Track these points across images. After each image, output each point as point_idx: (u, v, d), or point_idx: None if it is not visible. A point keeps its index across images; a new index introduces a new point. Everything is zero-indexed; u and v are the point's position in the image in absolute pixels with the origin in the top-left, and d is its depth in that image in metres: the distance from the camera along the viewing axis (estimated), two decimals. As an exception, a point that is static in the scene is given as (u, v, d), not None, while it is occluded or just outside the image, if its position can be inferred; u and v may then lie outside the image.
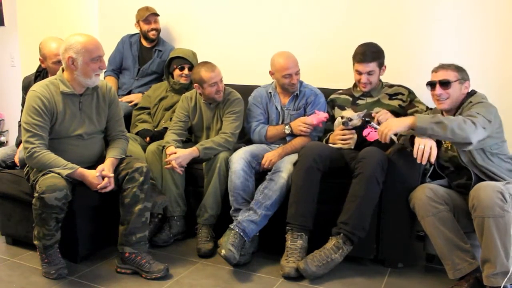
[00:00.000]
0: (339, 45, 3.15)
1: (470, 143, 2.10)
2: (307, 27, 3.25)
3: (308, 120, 2.73)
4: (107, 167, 2.35)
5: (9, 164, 2.77)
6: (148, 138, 3.02)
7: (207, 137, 2.90)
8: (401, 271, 2.45)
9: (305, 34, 3.25)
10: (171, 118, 3.03)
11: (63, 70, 2.35)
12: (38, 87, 2.31)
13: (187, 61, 3.09)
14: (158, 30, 3.53)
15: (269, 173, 2.59)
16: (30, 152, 2.23)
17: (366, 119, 2.61)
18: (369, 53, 2.65)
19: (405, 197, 2.33)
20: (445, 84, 2.25)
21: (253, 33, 3.43)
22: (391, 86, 2.80)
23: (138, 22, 3.53)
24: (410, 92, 2.76)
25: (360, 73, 2.70)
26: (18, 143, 2.74)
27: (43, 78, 2.61)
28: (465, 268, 2.11)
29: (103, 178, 2.31)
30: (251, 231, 2.45)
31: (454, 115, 2.28)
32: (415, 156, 2.16)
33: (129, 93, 3.52)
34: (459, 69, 2.29)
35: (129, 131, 3.08)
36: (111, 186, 2.34)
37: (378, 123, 2.55)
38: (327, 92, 2.92)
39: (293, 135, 2.79)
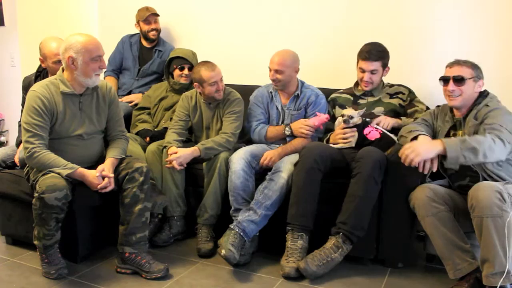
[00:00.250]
0: (339, 45, 3.15)
1: (500, 161, 2.08)
2: (307, 27, 3.25)
3: (310, 122, 2.73)
4: (107, 167, 2.35)
5: (9, 164, 2.77)
6: (148, 138, 3.02)
7: (207, 137, 2.90)
8: (401, 271, 2.45)
9: (305, 34, 3.25)
10: (171, 118, 3.03)
11: (63, 70, 2.35)
12: (38, 87, 2.31)
13: (187, 61, 3.09)
14: (158, 31, 3.53)
15: (269, 173, 2.59)
16: (30, 152, 2.23)
17: (367, 119, 2.61)
18: (375, 52, 2.66)
19: (405, 197, 2.33)
20: (459, 80, 2.20)
21: (253, 33, 3.42)
22: (392, 85, 2.80)
23: (138, 22, 3.53)
24: (410, 92, 2.76)
25: (363, 71, 2.70)
26: (18, 143, 2.74)
27: (43, 78, 2.61)
28: (465, 268, 2.11)
29: (103, 178, 2.31)
30: (251, 231, 2.45)
31: (466, 114, 2.24)
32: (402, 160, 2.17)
33: (129, 93, 3.52)
34: (474, 67, 2.22)
35: (129, 131, 3.08)
36: (111, 186, 2.34)
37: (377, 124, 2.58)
38: (327, 92, 2.92)
39: (293, 136, 2.79)
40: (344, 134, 2.62)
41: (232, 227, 2.44)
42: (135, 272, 2.37)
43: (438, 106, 2.46)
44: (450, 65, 2.26)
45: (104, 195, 2.35)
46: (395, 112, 2.71)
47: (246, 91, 3.00)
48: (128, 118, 3.13)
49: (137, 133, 3.09)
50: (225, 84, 2.88)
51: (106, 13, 3.95)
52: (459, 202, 2.24)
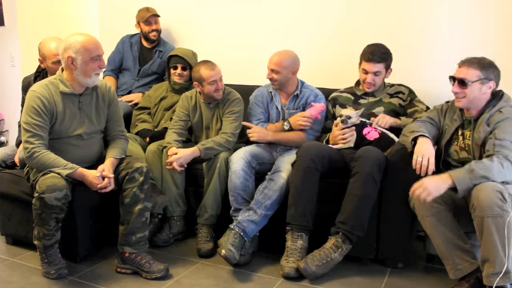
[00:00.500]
0: (339, 45, 3.15)
1: None
2: (307, 27, 3.25)
3: (307, 113, 2.73)
4: (107, 167, 2.35)
5: (9, 164, 2.77)
6: (148, 138, 3.02)
7: (206, 137, 2.90)
8: (401, 271, 2.45)
9: (305, 34, 3.24)
10: (171, 118, 3.03)
11: (62, 70, 2.35)
12: (37, 87, 2.31)
13: (183, 60, 3.09)
14: (158, 31, 3.53)
15: (269, 173, 2.59)
16: (30, 152, 2.23)
17: (366, 120, 2.61)
18: (378, 54, 2.64)
19: (405, 197, 2.32)
20: (462, 83, 2.16)
21: (253, 33, 3.42)
22: (392, 85, 2.80)
23: (138, 23, 3.53)
24: (411, 92, 2.76)
25: (366, 72, 2.69)
26: (18, 143, 2.74)
27: (42, 78, 2.61)
28: (465, 268, 2.11)
29: (103, 178, 2.31)
30: (251, 231, 2.45)
31: (477, 117, 2.21)
32: (414, 167, 2.16)
33: (129, 93, 3.52)
34: (484, 67, 2.14)
35: (129, 131, 3.08)
36: (111, 186, 2.34)
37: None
38: (327, 92, 2.92)
39: (292, 130, 2.79)
40: (343, 134, 2.63)
41: (232, 227, 2.44)
42: (135, 272, 2.37)
43: (447, 102, 2.40)
44: (460, 65, 2.20)
45: (104, 195, 2.35)
46: (395, 112, 2.70)
47: (246, 91, 3.00)
48: (128, 118, 3.13)
49: (137, 133, 3.08)
50: (225, 84, 2.88)
51: (106, 13, 3.95)
52: (459, 202, 2.23)
